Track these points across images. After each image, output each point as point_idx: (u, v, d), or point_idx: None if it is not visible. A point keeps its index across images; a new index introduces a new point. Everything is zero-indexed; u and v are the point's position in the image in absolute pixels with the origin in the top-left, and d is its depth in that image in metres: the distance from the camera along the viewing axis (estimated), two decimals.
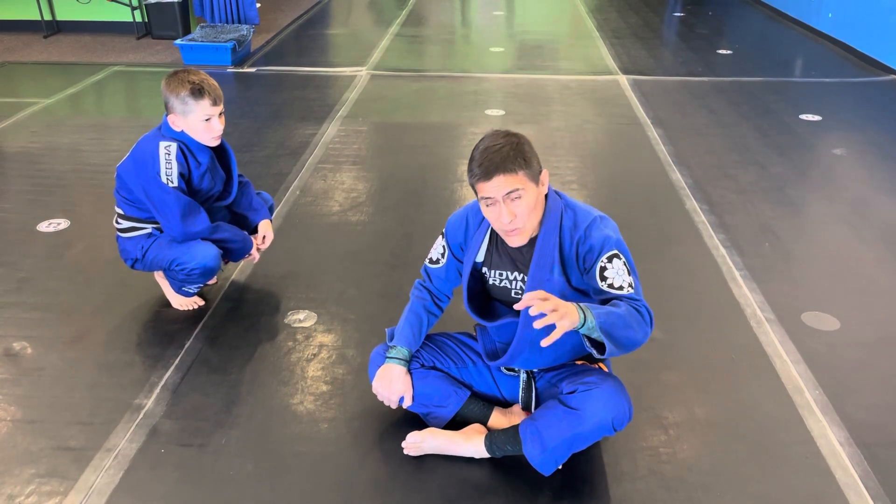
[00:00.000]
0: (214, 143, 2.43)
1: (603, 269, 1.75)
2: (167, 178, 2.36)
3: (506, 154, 1.69)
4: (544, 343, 1.54)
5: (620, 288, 1.74)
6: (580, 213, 1.83)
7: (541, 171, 1.77)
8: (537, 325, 1.54)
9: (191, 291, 2.61)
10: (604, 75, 5.61)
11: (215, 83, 2.37)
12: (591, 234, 1.78)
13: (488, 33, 7.24)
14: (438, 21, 7.70)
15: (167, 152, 2.36)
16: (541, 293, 1.56)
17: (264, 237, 2.67)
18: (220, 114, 2.39)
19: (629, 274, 1.76)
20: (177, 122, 2.36)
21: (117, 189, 2.49)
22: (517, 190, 1.70)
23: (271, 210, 2.83)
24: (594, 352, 1.69)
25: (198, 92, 2.30)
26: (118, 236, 2.56)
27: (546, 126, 4.50)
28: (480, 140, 1.76)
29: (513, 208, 1.72)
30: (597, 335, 1.62)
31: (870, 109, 4.79)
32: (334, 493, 1.88)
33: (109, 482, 1.91)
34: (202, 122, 2.35)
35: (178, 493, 1.88)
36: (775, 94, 5.10)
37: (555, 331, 1.53)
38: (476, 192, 1.77)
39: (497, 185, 1.69)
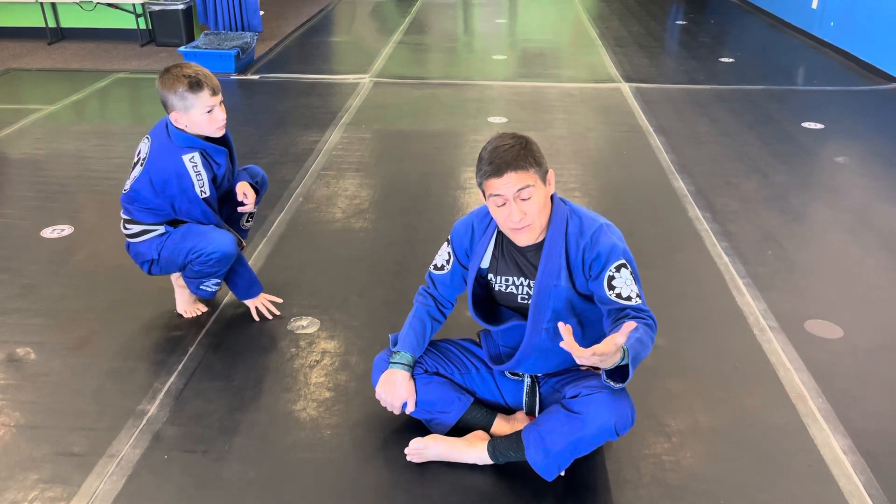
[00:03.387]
0: (220, 133, 2.40)
1: (611, 278, 1.75)
2: (201, 191, 2.36)
3: (516, 152, 1.71)
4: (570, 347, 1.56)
5: (628, 298, 1.74)
6: (585, 219, 1.83)
7: (548, 171, 1.78)
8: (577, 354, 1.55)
9: (209, 290, 2.54)
10: (606, 83, 5.63)
11: (209, 72, 2.35)
12: (598, 241, 1.78)
13: (491, 41, 7.26)
14: (441, 29, 7.73)
15: (194, 164, 2.34)
16: (594, 352, 1.54)
17: (245, 194, 2.56)
18: (221, 103, 2.37)
19: (635, 283, 1.77)
20: (180, 120, 2.34)
21: (128, 200, 2.44)
22: (528, 187, 1.71)
23: (264, 183, 2.75)
24: (611, 383, 1.70)
25: (196, 84, 2.28)
26: (129, 243, 2.51)
27: (548, 134, 4.51)
28: (488, 142, 1.77)
29: (523, 207, 1.73)
30: (630, 358, 1.64)
31: (872, 118, 4.80)
32: (337, 500, 1.88)
33: (112, 488, 1.91)
34: (205, 114, 2.32)
35: (180, 499, 1.88)
36: (777, 102, 5.11)
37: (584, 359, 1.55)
38: (484, 193, 1.77)
39: (508, 182, 1.70)
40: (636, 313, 1.72)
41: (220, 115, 2.37)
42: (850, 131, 4.55)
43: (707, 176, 3.87)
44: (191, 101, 2.29)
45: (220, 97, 2.36)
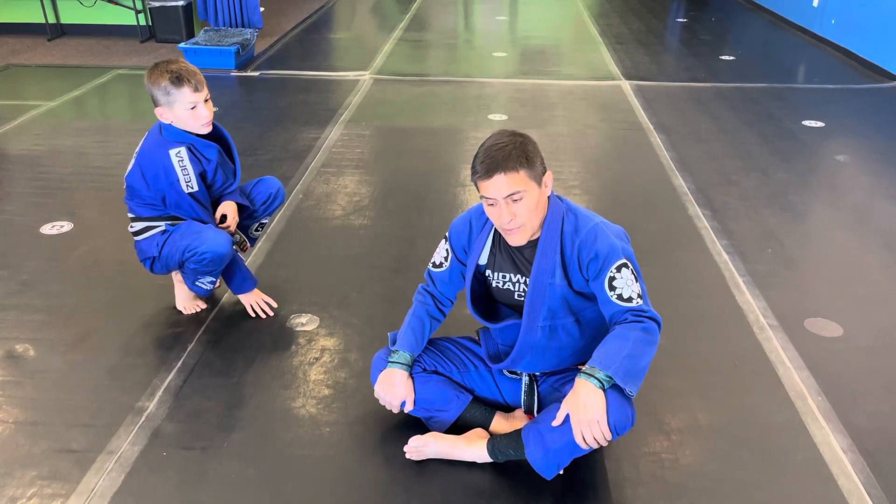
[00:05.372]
0: (205, 129, 2.40)
1: (612, 279, 1.75)
2: (187, 185, 2.36)
3: (508, 152, 1.69)
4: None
5: (629, 299, 1.74)
6: (581, 217, 1.83)
7: (544, 172, 1.77)
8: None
9: (205, 287, 2.54)
10: (607, 80, 5.62)
11: (195, 69, 2.35)
12: (595, 240, 1.77)
13: (491, 38, 7.25)
14: (441, 26, 7.72)
15: (180, 158, 2.34)
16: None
17: (224, 215, 2.56)
18: (206, 100, 2.36)
19: (636, 282, 1.76)
20: (165, 115, 2.34)
21: (128, 197, 2.46)
22: (517, 192, 1.70)
23: (279, 196, 2.73)
24: (626, 389, 1.71)
25: (177, 80, 2.28)
26: (135, 241, 2.53)
27: (549, 131, 4.51)
28: (486, 139, 1.77)
29: (513, 209, 1.72)
30: (620, 382, 1.68)
31: (872, 116, 4.79)
32: (336, 497, 1.88)
33: (111, 485, 1.91)
34: (187, 110, 2.32)
35: (179, 496, 1.88)
36: (778, 100, 5.10)
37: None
38: (478, 191, 1.78)
39: (497, 185, 1.70)
40: (634, 317, 1.72)
41: (204, 113, 2.35)
42: (851, 129, 4.55)
43: (707, 174, 3.87)
44: (174, 97, 2.29)
45: (203, 94, 2.34)
